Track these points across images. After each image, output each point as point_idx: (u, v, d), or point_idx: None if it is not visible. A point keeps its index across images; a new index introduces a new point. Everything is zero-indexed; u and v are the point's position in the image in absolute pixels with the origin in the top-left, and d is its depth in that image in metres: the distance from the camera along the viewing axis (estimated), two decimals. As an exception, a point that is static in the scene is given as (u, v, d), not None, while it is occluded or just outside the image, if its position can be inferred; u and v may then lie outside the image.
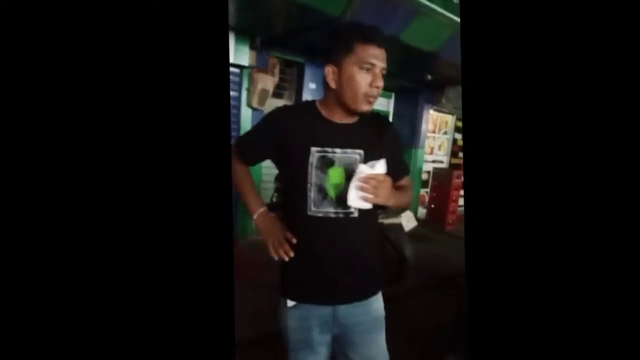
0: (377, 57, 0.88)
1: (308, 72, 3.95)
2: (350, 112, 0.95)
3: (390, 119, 5.01)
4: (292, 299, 1.03)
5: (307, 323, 1.03)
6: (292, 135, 0.97)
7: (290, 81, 3.96)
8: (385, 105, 5.20)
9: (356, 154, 0.98)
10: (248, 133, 1.06)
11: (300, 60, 3.84)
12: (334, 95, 0.96)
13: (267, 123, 1.01)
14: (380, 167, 0.93)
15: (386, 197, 0.92)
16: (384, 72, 0.91)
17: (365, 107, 0.92)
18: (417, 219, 4.57)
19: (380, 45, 0.90)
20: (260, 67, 3.29)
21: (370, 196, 0.90)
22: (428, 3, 2.87)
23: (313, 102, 1.05)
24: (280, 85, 3.70)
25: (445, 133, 5.96)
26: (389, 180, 0.94)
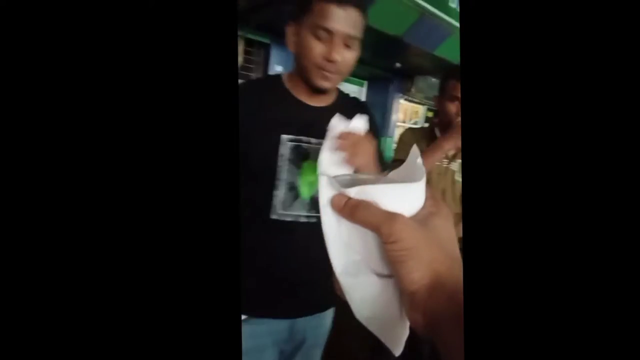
0: (338, 20, 0.64)
1: (275, 54, 3.59)
2: (310, 86, 0.74)
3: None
4: (246, 313, 0.86)
5: (261, 340, 0.87)
6: (258, 119, 0.75)
7: (257, 63, 3.63)
8: (358, 93, 5.07)
9: None
10: None
11: (265, 40, 3.50)
12: (296, 65, 0.76)
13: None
14: (359, 122, 0.70)
15: (367, 162, 0.68)
16: (351, 41, 0.68)
17: (320, 83, 0.71)
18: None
19: (346, 5, 0.64)
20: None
21: (349, 157, 0.66)
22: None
23: (279, 76, 0.83)
24: (244, 66, 3.41)
25: (415, 123, 5.84)
26: (371, 141, 0.72)
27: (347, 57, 0.69)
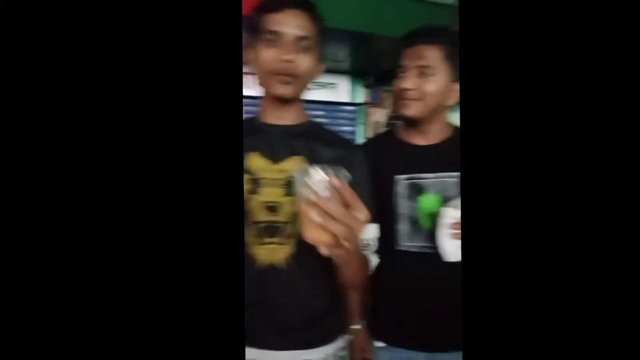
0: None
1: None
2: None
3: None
4: (384, 341, 0.92)
5: None
6: (377, 165, 0.84)
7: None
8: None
9: (452, 177, 0.83)
10: None
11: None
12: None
13: None
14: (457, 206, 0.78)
15: None
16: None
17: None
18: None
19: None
20: (373, 102, 3.64)
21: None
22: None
23: (391, 130, 0.97)
24: (392, 115, 3.96)
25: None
26: None
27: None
